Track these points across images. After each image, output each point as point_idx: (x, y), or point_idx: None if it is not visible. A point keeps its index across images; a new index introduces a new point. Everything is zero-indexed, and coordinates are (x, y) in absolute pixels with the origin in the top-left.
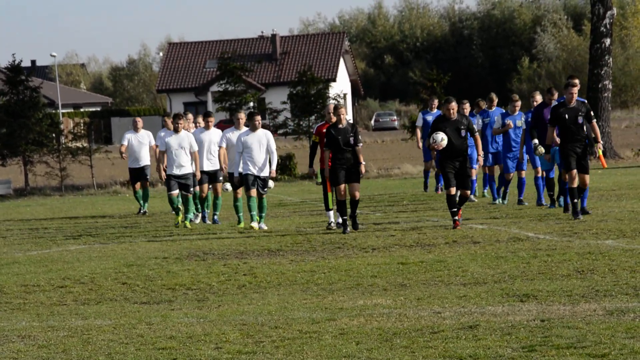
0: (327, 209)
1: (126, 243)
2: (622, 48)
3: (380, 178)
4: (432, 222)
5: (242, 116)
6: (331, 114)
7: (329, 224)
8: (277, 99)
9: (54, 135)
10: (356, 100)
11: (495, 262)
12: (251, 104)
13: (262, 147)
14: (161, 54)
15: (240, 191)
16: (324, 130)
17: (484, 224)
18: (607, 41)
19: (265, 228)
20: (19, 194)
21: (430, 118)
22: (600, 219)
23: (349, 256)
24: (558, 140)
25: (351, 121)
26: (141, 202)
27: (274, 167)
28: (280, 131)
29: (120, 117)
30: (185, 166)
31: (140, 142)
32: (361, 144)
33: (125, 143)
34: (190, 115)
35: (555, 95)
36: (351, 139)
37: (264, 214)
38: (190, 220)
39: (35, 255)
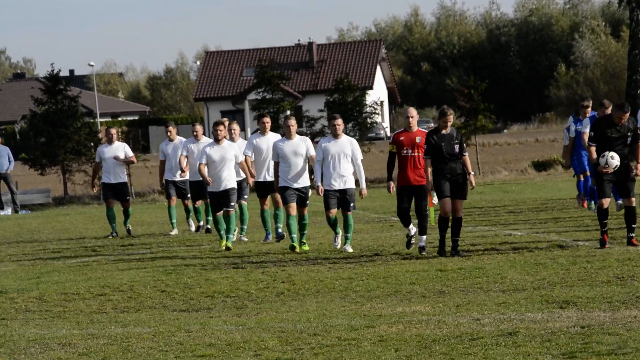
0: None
1: (165, 251)
2: None
3: None
4: (470, 229)
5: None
6: (409, 119)
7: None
8: (314, 106)
9: (92, 144)
10: (393, 108)
11: (535, 268)
12: (288, 111)
13: (346, 156)
14: (198, 62)
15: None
16: (402, 139)
17: (522, 231)
18: None
19: (351, 250)
20: (58, 202)
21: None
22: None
23: (387, 263)
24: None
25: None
26: (114, 224)
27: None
28: (318, 139)
29: (158, 126)
30: (228, 181)
31: (115, 154)
32: (467, 153)
33: (98, 159)
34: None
35: None
36: (456, 146)
37: (349, 235)
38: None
39: (75, 264)
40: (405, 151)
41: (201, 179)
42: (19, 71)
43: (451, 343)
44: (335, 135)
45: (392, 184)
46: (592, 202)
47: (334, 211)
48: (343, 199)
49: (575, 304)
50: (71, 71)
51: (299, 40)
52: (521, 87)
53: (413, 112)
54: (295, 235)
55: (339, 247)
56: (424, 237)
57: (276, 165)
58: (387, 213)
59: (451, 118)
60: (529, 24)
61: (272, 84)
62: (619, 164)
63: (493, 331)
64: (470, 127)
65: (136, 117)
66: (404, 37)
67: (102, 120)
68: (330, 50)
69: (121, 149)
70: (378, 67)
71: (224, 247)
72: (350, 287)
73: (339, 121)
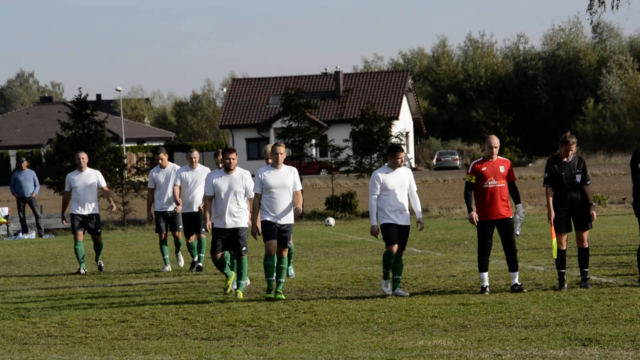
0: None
1: (187, 278)
2: None
3: (441, 218)
4: (494, 262)
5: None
6: (492, 149)
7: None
8: (339, 136)
9: (117, 169)
10: (418, 139)
11: (558, 305)
12: (313, 140)
13: (404, 188)
14: (225, 89)
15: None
16: (484, 169)
17: (546, 267)
18: None
19: (406, 293)
20: None
21: None
22: None
23: (410, 296)
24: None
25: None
26: (82, 260)
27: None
28: (342, 169)
29: (183, 152)
30: (238, 217)
31: (86, 183)
32: (590, 182)
33: (68, 189)
34: (196, 153)
35: None
36: (578, 176)
37: (400, 277)
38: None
39: (97, 290)
40: (488, 182)
41: (195, 211)
42: (46, 95)
43: None
44: (394, 167)
45: (476, 214)
46: None
47: (396, 246)
48: (401, 236)
49: (598, 342)
50: (98, 96)
51: (325, 69)
52: (547, 121)
53: (496, 141)
54: (272, 279)
55: (389, 292)
56: (516, 273)
57: (257, 197)
58: (410, 245)
59: (574, 147)
60: (557, 57)
61: (298, 112)
62: None
63: None
64: None
65: (162, 143)
66: (431, 68)
67: (127, 145)
68: (357, 80)
69: (93, 176)
70: (404, 98)
71: (229, 290)
72: (372, 319)
73: (402, 154)
